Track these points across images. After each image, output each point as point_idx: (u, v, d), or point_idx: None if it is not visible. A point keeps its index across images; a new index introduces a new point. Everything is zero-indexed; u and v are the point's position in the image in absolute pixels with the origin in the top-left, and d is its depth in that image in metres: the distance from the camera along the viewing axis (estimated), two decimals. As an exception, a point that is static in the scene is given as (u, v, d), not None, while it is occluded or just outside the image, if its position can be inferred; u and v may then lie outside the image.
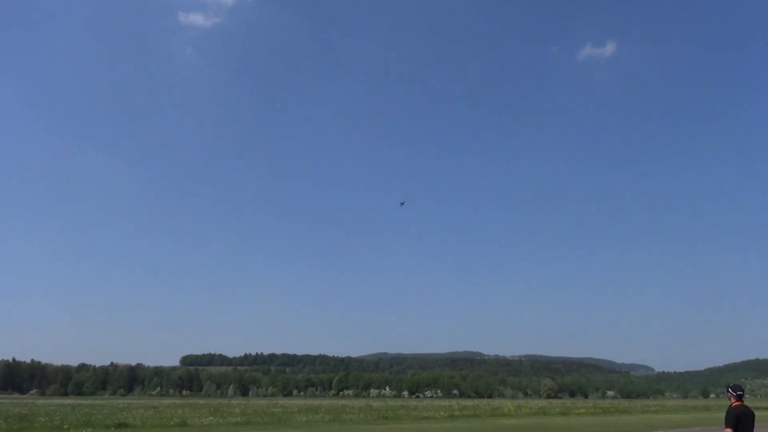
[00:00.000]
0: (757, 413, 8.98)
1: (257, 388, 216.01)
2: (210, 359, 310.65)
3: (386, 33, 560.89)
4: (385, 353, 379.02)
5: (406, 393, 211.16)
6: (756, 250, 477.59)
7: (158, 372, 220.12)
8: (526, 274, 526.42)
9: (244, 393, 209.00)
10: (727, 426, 8.63)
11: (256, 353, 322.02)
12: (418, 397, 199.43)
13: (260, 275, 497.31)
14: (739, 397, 8.98)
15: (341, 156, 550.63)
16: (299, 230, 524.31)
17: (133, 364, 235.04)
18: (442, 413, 49.48)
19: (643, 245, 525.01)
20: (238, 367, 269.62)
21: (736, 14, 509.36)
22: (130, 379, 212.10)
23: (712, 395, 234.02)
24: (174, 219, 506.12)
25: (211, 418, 39.13)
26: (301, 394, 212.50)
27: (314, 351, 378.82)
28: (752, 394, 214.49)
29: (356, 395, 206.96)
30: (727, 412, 8.83)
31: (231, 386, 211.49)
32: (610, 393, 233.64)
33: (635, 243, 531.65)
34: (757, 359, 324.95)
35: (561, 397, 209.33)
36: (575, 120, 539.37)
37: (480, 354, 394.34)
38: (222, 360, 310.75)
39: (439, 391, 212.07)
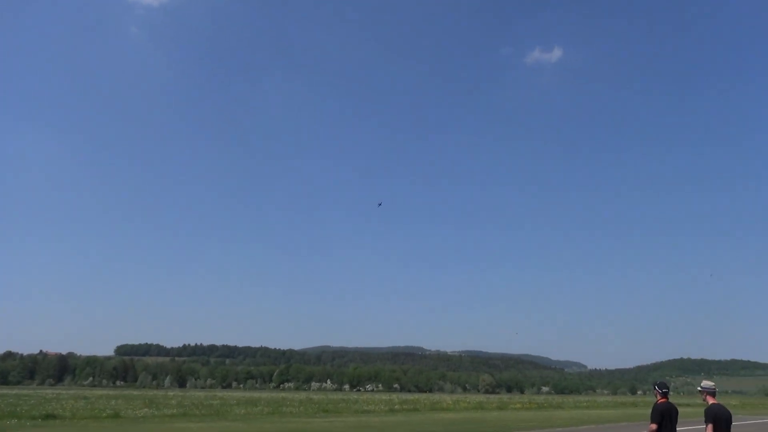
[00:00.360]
0: (680, 410, 9.39)
1: (195, 379, 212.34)
2: (147, 349, 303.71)
3: (338, 24, 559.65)
4: (328, 346, 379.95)
5: (347, 386, 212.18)
6: (684, 251, 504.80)
7: (91, 361, 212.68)
8: (469, 272, 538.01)
9: (182, 384, 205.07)
10: (652, 422, 8.88)
11: (196, 344, 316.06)
12: (359, 390, 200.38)
13: (202, 264, 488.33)
14: (665, 394, 9.21)
15: (297, 139, 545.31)
16: (242, 216, 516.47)
17: (64, 352, 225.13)
18: (382, 407, 49.89)
19: (575, 249, 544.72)
20: (176, 358, 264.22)
21: (680, 18, 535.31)
22: (61, 369, 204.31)
23: (639, 392, 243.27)
24: (108, 201, 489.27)
25: (146, 409, 38.08)
26: (241, 386, 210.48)
27: (255, 343, 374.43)
28: (676, 392, 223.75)
29: (297, 388, 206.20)
30: (653, 408, 9.09)
31: (168, 377, 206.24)
32: (545, 389, 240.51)
33: (570, 247, 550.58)
34: (682, 359, 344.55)
35: (498, 393, 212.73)
36: (521, 120, 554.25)
37: (421, 349, 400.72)
38: (159, 350, 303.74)
39: (380, 385, 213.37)
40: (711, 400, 8.85)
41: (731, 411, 8.99)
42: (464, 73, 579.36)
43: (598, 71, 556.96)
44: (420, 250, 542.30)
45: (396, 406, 51.49)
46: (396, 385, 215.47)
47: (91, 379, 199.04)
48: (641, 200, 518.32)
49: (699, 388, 9.16)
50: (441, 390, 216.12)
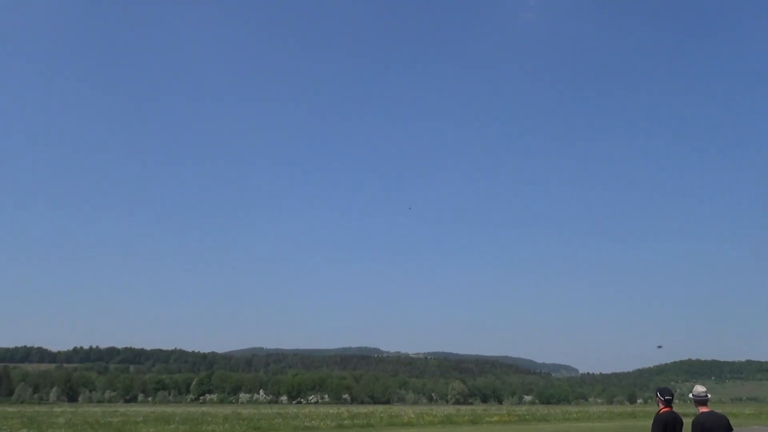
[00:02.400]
0: (686, 420, 9.69)
1: (90, 391, 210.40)
2: (25, 354, 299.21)
3: None
4: (260, 348, 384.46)
5: (285, 398, 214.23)
6: (692, 241, 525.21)
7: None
8: (434, 261, 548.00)
9: (72, 398, 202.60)
10: (653, 435, 9.24)
11: (90, 347, 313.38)
12: (299, 402, 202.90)
13: (98, 249, 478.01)
14: (668, 402, 9.46)
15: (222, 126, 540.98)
16: (149, 192, 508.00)
17: None
18: (328, 422, 50.39)
19: (568, 227, 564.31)
20: (65, 365, 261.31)
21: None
22: None
23: (639, 400, 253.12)
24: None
25: (25, 430, 37.29)
26: (150, 399, 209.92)
27: (168, 345, 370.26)
28: (682, 399, 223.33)
29: (221, 401, 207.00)
30: (655, 419, 9.41)
31: (54, 389, 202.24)
32: (527, 398, 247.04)
33: (558, 224, 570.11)
34: (689, 360, 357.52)
35: (471, 403, 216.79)
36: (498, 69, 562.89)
37: (378, 351, 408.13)
38: (42, 355, 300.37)
39: (326, 396, 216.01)
40: (702, 409, 9.14)
41: (730, 420, 9.33)
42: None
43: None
44: (374, 242, 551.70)
45: (346, 422, 52.04)
46: (346, 396, 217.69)
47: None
48: (641, 185, 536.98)
49: (690, 395, 9.52)
50: (402, 401, 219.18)
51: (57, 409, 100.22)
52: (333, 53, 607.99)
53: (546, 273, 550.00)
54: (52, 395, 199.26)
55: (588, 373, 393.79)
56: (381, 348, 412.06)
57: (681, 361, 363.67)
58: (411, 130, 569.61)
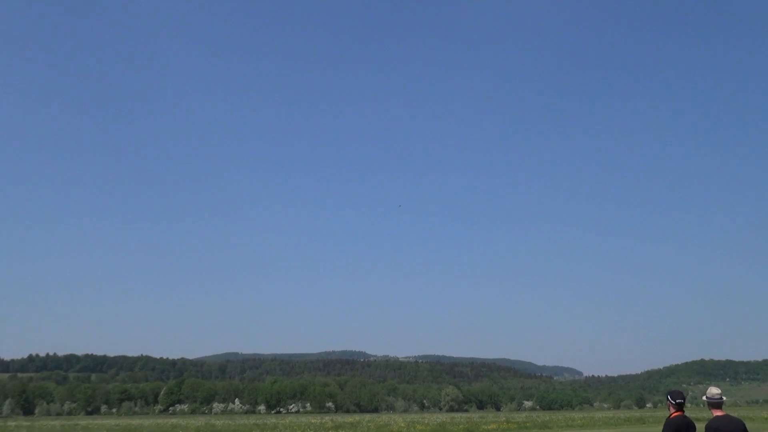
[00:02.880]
0: (699, 425, 9.71)
1: (48, 403, 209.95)
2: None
3: None
4: (235, 354, 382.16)
5: (262, 407, 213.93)
6: (703, 237, 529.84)
7: None
8: (425, 257, 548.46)
9: (28, 411, 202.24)
10: (664, 441, 9.32)
11: (47, 354, 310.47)
12: (279, 412, 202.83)
13: (54, 251, 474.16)
14: (680, 406, 9.52)
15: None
16: (113, 190, 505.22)
17: None
18: (310, 433, 50.41)
19: (571, 222, 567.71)
20: (19, 374, 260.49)
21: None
22: None
23: (648, 404, 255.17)
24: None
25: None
26: (114, 411, 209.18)
27: (133, 351, 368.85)
28: (695, 402, 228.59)
29: (193, 411, 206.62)
30: (665, 423, 9.51)
31: (7, 401, 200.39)
32: (527, 404, 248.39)
33: (560, 219, 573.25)
34: (702, 360, 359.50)
35: (467, 410, 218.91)
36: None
37: (364, 355, 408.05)
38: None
39: (308, 404, 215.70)
40: (716, 413, 9.19)
41: (746, 424, 9.58)
42: None
43: None
44: (359, 238, 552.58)
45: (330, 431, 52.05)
46: (330, 404, 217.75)
47: None
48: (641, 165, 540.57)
49: (704, 398, 9.63)
50: (391, 408, 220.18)
51: (11, 423, 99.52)
52: (320, 42, 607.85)
53: (547, 270, 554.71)
54: (6, 408, 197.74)
55: (593, 375, 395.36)
56: (367, 351, 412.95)
57: (693, 362, 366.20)
58: (398, 122, 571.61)
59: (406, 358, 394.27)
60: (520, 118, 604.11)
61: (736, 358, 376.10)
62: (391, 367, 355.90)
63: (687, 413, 9.81)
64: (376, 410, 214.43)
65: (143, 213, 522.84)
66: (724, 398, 9.27)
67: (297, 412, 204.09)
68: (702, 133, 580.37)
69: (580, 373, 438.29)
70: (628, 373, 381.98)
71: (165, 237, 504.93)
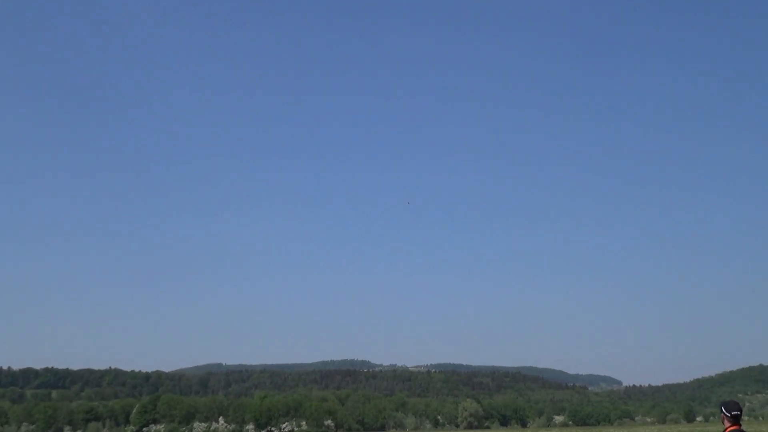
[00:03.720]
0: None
1: (2, 425, 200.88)
2: None
3: None
4: (218, 365, 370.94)
5: (251, 426, 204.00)
6: (762, 231, 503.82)
7: None
8: (437, 257, 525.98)
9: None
10: (719, 458, 8.71)
11: (0, 369, 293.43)
12: (270, 431, 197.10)
13: (12, 252, 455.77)
14: (736, 419, 9.11)
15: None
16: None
17: None
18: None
19: (602, 218, 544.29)
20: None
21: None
22: None
23: (699, 418, 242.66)
24: None
25: None
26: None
27: (100, 364, 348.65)
28: (752, 415, 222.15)
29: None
30: (720, 437, 9.33)
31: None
32: (558, 418, 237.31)
33: (591, 215, 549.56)
34: (761, 365, 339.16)
35: (488, 427, 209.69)
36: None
37: (368, 364, 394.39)
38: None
39: (303, 423, 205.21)
40: (730, 427, 8.97)
41: None
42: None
43: None
44: (362, 237, 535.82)
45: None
46: (329, 422, 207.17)
47: None
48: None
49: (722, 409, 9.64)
50: (400, 426, 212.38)
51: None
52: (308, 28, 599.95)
53: (578, 269, 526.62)
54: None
55: (633, 385, 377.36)
56: (372, 361, 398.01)
57: (750, 368, 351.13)
58: (407, 113, 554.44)
59: (416, 367, 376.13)
60: (546, 109, 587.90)
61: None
62: (400, 378, 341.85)
63: (744, 427, 9.38)
64: (382, 428, 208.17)
65: (114, 212, 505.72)
66: (741, 409, 9.27)
67: (291, 431, 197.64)
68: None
69: (618, 383, 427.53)
70: (675, 381, 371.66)
71: (137, 238, 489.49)
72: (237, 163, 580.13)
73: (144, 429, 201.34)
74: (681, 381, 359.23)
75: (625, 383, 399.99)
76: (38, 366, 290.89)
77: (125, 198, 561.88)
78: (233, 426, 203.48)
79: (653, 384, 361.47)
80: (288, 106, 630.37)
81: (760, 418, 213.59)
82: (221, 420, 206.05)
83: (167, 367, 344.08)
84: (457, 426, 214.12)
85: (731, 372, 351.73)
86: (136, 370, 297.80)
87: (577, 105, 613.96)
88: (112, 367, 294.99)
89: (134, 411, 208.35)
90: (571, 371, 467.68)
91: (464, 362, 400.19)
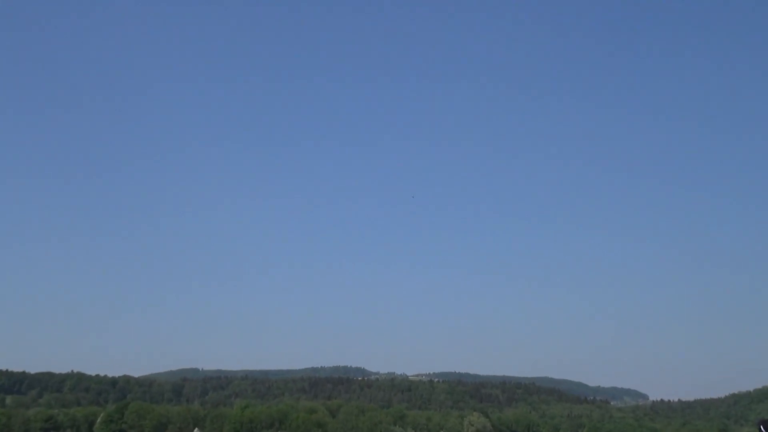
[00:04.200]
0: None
1: None
2: None
3: None
4: (194, 370, 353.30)
5: None
6: None
7: None
8: (439, 258, 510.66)
9: None
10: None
11: None
12: None
13: None
14: None
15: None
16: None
17: None
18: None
19: (636, 221, 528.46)
20: None
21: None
22: None
23: None
24: None
25: None
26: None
27: (60, 367, 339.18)
28: None
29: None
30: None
31: None
32: None
33: (612, 219, 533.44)
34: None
35: None
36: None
37: (363, 372, 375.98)
38: None
39: None
40: None
41: None
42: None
43: None
44: (357, 235, 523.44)
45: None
46: None
47: None
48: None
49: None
50: None
51: None
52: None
53: (599, 269, 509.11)
54: None
55: (661, 400, 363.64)
56: (367, 368, 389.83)
57: None
58: (407, 113, 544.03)
59: (416, 376, 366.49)
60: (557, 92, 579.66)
61: None
62: (398, 387, 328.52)
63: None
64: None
65: (84, 215, 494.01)
66: None
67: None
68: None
69: (645, 397, 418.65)
70: (708, 397, 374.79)
71: (109, 235, 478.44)
72: (214, 158, 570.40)
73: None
74: (715, 396, 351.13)
75: (651, 397, 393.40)
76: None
77: (102, 199, 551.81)
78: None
79: (683, 399, 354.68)
80: (288, 106, 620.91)
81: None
82: (196, 431, 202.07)
83: (136, 372, 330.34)
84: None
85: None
86: (102, 374, 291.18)
87: (577, 105, 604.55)
88: (75, 371, 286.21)
89: (99, 420, 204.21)
90: (592, 383, 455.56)
91: (471, 371, 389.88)
